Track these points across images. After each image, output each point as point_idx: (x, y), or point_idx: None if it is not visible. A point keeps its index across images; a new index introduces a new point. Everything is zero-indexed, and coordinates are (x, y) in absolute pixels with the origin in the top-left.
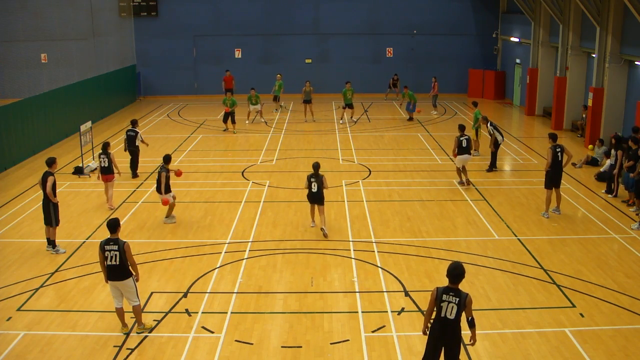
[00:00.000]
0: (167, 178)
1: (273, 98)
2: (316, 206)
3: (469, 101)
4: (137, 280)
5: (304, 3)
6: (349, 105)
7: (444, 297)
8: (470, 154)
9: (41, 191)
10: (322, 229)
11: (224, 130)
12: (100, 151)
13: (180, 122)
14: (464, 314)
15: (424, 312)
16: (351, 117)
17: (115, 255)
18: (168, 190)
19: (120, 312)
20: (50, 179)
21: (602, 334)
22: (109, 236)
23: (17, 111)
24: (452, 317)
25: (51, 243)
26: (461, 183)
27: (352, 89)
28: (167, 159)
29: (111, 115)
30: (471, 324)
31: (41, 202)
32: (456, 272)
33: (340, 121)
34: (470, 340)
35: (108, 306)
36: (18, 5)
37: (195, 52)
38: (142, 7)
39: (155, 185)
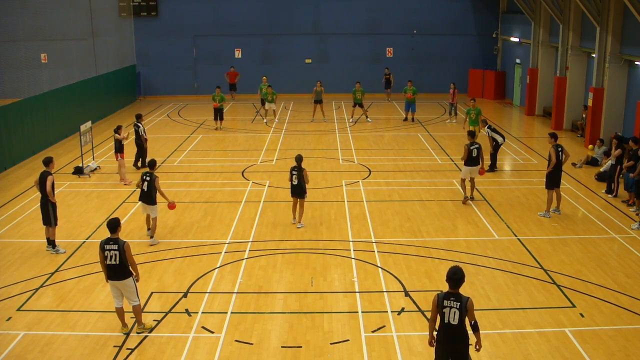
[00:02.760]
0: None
1: (261, 102)
2: (298, 200)
3: (469, 101)
4: (137, 280)
5: (304, 3)
6: (359, 105)
7: (445, 302)
8: (481, 163)
9: (39, 191)
10: (298, 224)
11: (216, 129)
12: (114, 132)
13: (180, 122)
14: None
15: (426, 316)
16: (365, 116)
17: (115, 254)
18: (155, 200)
19: (120, 312)
20: (49, 179)
21: (602, 334)
22: (108, 236)
23: (17, 111)
24: (456, 322)
25: (51, 243)
26: (466, 198)
27: (362, 89)
28: (152, 164)
29: (111, 115)
30: (475, 328)
31: (40, 204)
32: (456, 276)
33: (351, 120)
34: (475, 346)
35: (108, 306)
36: (18, 5)
37: (195, 52)
38: (142, 7)
39: (149, 197)
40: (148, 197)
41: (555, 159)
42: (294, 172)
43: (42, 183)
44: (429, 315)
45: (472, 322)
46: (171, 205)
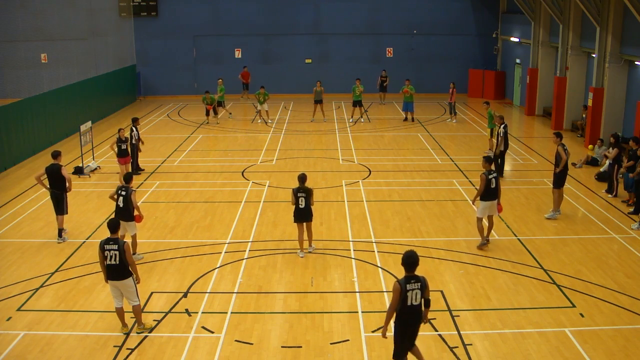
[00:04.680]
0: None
1: (217, 104)
2: (305, 224)
3: (469, 101)
4: (138, 282)
5: (304, 3)
6: (358, 103)
7: (408, 286)
8: (498, 197)
9: (42, 186)
10: (309, 248)
11: (207, 123)
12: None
13: (180, 122)
14: None
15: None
16: (360, 116)
17: (115, 254)
18: (132, 216)
19: (120, 312)
20: (64, 169)
21: (602, 334)
22: (108, 236)
23: (17, 111)
24: (417, 302)
25: (59, 232)
26: (484, 244)
27: (362, 87)
28: (128, 177)
29: (111, 115)
30: (427, 304)
31: (51, 196)
32: (411, 260)
33: (350, 120)
34: (423, 319)
35: (108, 306)
36: (18, 5)
37: (195, 52)
38: (142, 7)
39: (127, 213)
40: (125, 213)
41: (566, 158)
42: (300, 195)
43: (55, 175)
44: (429, 315)
45: (427, 298)
46: (138, 218)
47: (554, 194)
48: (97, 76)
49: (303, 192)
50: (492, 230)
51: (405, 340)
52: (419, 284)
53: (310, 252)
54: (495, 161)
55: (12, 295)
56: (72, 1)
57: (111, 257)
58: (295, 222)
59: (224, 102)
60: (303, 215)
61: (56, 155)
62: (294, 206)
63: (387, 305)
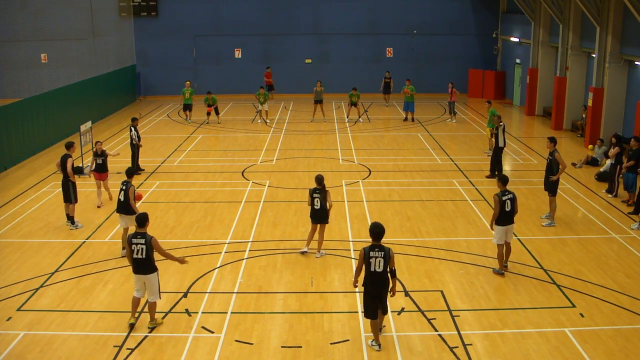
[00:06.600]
0: (134, 194)
1: (184, 107)
2: (319, 226)
3: (469, 101)
4: (184, 262)
5: (304, 3)
6: (354, 105)
7: (371, 254)
8: (514, 221)
9: (59, 173)
10: (317, 254)
11: (207, 123)
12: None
13: (181, 122)
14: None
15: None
16: (359, 117)
17: (142, 248)
18: (133, 210)
19: (135, 302)
20: (69, 160)
21: (602, 334)
22: (135, 230)
23: (17, 111)
24: (380, 270)
25: (70, 219)
26: (501, 273)
27: (358, 94)
28: (129, 172)
29: (111, 115)
30: (393, 274)
31: (61, 184)
32: (378, 230)
33: (347, 120)
34: (390, 291)
35: (108, 306)
36: (18, 5)
37: (195, 52)
38: (142, 7)
39: (128, 207)
40: (126, 207)
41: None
42: (315, 195)
43: (63, 164)
44: (429, 315)
45: (392, 269)
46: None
47: (552, 202)
48: (97, 76)
49: (317, 193)
50: (492, 230)
51: (372, 301)
52: (382, 253)
53: (317, 257)
54: (496, 161)
55: (12, 295)
56: (72, 1)
57: (138, 250)
58: (312, 222)
59: (192, 105)
60: (318, 216)
61: (69, 145)
62: (309, 207)
63: (388, 305)
